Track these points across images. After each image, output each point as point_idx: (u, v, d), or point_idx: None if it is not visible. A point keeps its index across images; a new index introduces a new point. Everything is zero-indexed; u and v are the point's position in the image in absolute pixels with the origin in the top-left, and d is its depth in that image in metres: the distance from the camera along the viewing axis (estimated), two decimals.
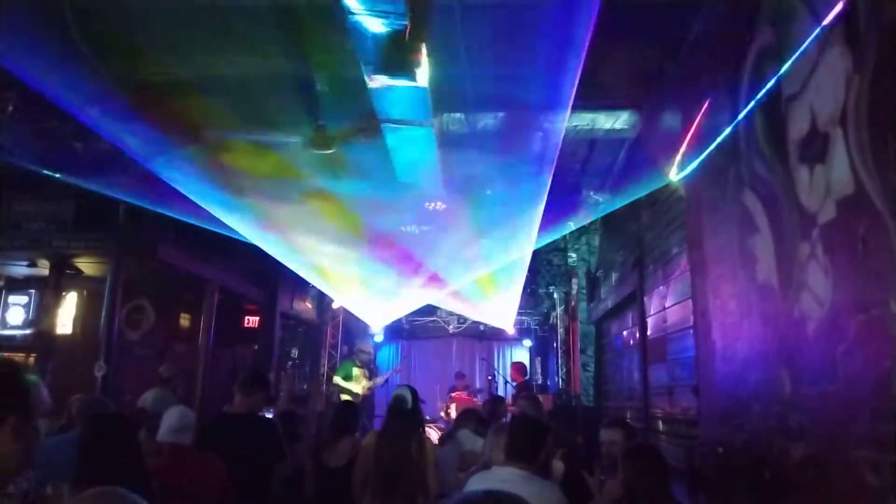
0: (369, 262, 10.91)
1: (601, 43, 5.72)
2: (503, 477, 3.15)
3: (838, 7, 3.02)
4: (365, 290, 12.35)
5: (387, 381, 12.45)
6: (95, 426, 3.02)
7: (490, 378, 13.22)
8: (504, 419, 6.01)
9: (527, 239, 9.34)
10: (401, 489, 4.10)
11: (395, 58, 4.92)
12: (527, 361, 15.54)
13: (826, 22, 3.12)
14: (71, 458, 3.99)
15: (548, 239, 9.89)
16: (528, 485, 3.07)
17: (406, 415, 4.48)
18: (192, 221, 7.94)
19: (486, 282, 11.83)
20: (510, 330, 14.26)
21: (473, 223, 9.50)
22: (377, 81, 5.35)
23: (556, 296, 13.44)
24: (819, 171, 3.17)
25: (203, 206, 7.57)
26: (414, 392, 4.69)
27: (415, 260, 10.92)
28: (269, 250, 9.29)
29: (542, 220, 8.71)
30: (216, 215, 7.87)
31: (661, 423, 6.94)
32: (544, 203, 8.05)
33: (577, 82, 5.41)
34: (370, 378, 10.74)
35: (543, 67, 5.48)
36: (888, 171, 2.61)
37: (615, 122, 6.82)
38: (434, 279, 11.56)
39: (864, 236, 2.76)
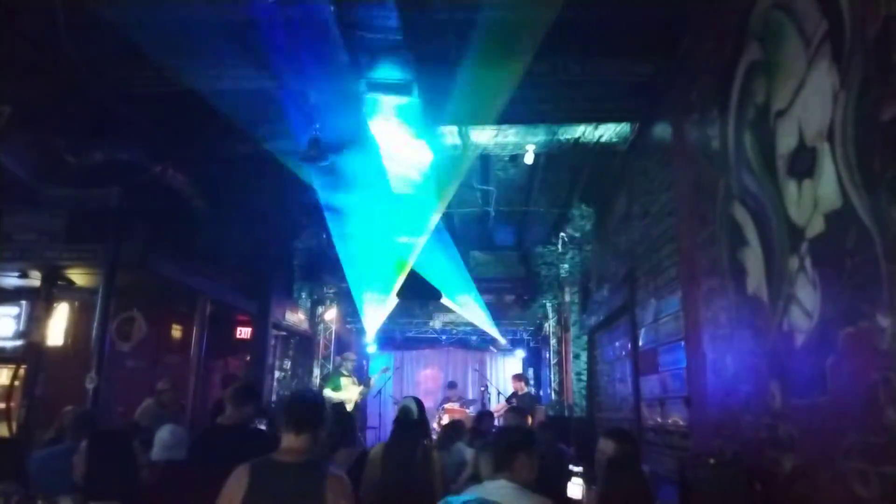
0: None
1: (593, 57, 5.81)
2: (496, 491, 3.14)
3: (824, 24, 3.08)
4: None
5: (380, 391, 12.43)
6: (100, 441, 3.03)
7: (483, 389, 13.22)
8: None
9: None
10: (406, 499, 4.09)
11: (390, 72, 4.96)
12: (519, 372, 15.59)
13: (813, 39, 3.18)
14: (61, 471, 3.98)
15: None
16: (521, 497, 3.06)
17: (412, 425, 4.49)
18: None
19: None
20: (502, 340, 14.27)
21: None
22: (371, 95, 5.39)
23: (548, 306, 13.46)
24: (807, 186, 3.22)
25: None
26: (420, 403, 4.72)
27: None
28: None
29: (535, 229, 8.78)
30: None
31: (652, 433, 6.96)
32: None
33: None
34: (360, 384, 10.68)
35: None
36: (874, 186, 2.65)
37: (608, 133, 6.88)
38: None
39: (852, 250, 2.80)
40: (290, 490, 2.69)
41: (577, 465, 4.07)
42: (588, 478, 3.87)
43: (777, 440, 3.55)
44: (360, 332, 14.10)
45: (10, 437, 7.48)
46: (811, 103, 3.19)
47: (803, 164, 3.24)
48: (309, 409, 2.91)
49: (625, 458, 3.62)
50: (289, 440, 2.81)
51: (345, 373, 10.49)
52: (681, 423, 5.86)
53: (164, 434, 3.62)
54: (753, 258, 3.92)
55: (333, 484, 2.72)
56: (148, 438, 3.75)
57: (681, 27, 5.21)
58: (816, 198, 3.11)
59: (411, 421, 4.53)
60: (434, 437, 9.57)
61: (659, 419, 6.68)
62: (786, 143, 3.46)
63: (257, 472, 2.72)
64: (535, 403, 10.12)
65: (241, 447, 4.15)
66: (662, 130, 6.14)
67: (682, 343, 5.54)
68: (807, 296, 3.24)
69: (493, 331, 13.92)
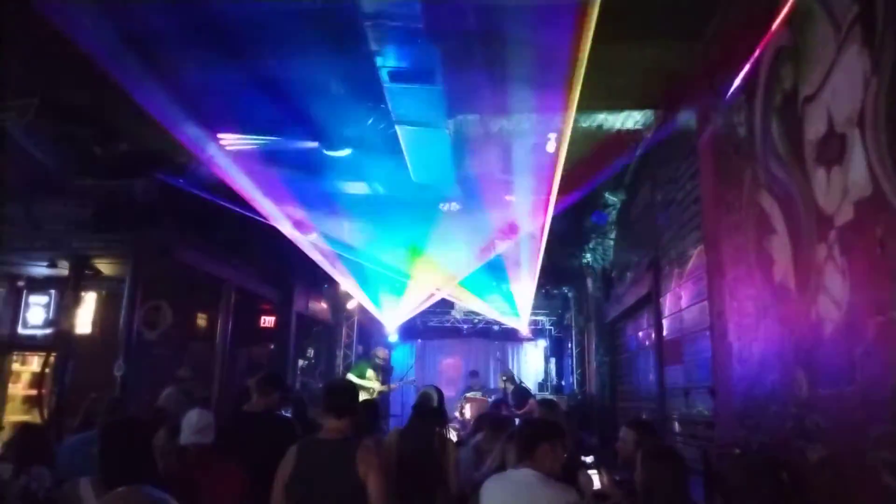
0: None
1: (617, 42, 5.74)
2: (518, 479, 3.16)
3: (855, 8, 3.02)
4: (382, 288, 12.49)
5: (401, 379, 12.48)
6: (111, 431, 3.09)
7: (504, 378, 13.21)
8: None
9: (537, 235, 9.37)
10: (420, 486, 4.12)
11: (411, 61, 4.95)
12: (541, 362, 15.55)
13: (843, 23, 3.12)
14: (89, 457, 4.07)
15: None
16: (543, 486, 3.08)
17: (431, 413, 4.52)
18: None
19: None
20: (524, 330, 14.24)
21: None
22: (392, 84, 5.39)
23: (570, 296, 13.41)
24: (836, 173, 3.16)
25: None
26: (440, 392, 4.75)
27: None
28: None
29: (559, 218, 8.74)
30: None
31: (677, 424, 6.93)
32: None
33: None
34: (382, 383, 10.76)
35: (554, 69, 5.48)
36: None
37: (631, 121, 6.81)
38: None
39: (882, 238, 2.76)
40: (327, 460, 3.19)
41: (587, 455, 4.08)
42: (600, 465, 3.88)
43: (804, 430, 3.51)
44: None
45: (39, 423, 7.64)
46: (841, 89, 3.14)
47: (832, 150, 3.19)
48: (345, 396, 3.45)
49: (663, 447, 3.63)
50: (330, 422, 3.32)
51: (372, 365, 10.56)
52: (706, 413, 5.83)
53: (192, 417, 3.67)
54: (780, 246, 3.87)
55: (364, 454, 3.17)
56: (176, 425, 3.80)
57: (706, 12, 5.13)
58: (846, 185, 3.06)
59: (430, 408, 4.56)
60: (458, 426, 9.63)
61: (683, 409, 6.65)
62: (814, 129, 3.40)
63: (303, 448, 3.29)
64: (526, 398, 9.98)
65: (268, 434, 4.22)
66: (687, 117, 6.07)
67: (708, 332, 5.50)
68: (835, 284, 3.19)
69: (514, 321, 13.88)
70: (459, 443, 6.01)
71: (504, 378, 10.94)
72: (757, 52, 4.16)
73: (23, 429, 4.14)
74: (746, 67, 4.36)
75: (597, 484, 3.77)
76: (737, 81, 4.59)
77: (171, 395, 6.78)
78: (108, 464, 2.95)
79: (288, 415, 5.78)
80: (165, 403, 6.52)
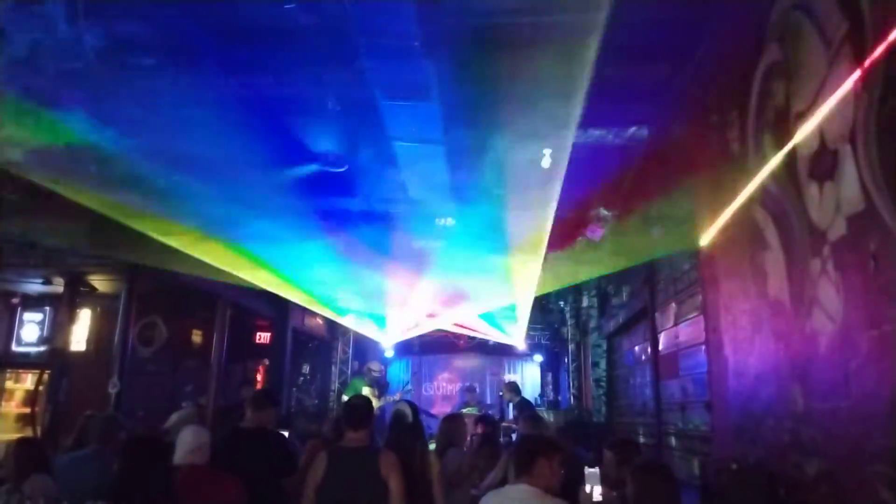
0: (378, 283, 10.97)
1: (609, 59, 5.77)
2: (515, 495, 3.16)
3: (845, 24, 3.05)
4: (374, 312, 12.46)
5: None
6: (133, 447, 3.07)
7: (501, 394, 13.17)
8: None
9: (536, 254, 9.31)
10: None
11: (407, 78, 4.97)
12: (538, 377, 15.51)
13: (833, 39, 3.15)
14: (84, 476, 4.03)
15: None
16: (540, 502, 3.07)
17: (408, 429, 4.51)
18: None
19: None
20: (521, 346, 14.22)
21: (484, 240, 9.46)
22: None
23: (566, 310, 13.40)
24: (829, 188, 3.19)
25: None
26: (414, 407, 4.75)
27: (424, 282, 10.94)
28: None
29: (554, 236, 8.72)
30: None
31: (673, 438, 6.91)
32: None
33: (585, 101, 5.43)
34: (380, 397, 10.69)
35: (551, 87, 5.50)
36: None
37: (623, 136, 6.83)
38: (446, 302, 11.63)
39: (875, 252, 2.77)
40: (355, 465, 3.66)
41: (591, 466, 4.06)
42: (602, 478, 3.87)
43: (800, 445, 3.51)
44: None
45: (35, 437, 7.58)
46: (832, 104, 3.17)
47: (824, 166, 3.22)
48: (363, 411, 3.93)
49: (653, 463, 3.62)
50: (350, 433, 3.80)
51: (367, 381, 10.49)
52: (702, 427, 5.82)
53: (186, 437, 3.63)
54: (775, 261, 3.89)
55: (385, 459, 3.67)
56: (170, 443, 3.77)
57: (698, 29, 5.17)
58: (838, 200, 3.09)
59: (406, 425, 4.55)
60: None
61: (680, 424, 6.63)
62: (806, 144, 3.43)
63: (333, 454, 3.73)
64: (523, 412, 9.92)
65: (263, 451, 4.20)
66: (680, 133, 6.11)
67: (703, 347, 5.51)
68: (829, 299, 3.20)
69: (510, 336, 13.87)
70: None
71: (508, 389, 10.85)
72: (748, 69, 4.20)
73: (20, 442, 4.08)
74: (738, 83, 4.39)
75: (596, 497, 3.75)
76: (729, 97, 4.63)
77: (191, 415, 6.57)
78: (125, 480, 2.92)
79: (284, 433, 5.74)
80: (182, 425, 6.20)
